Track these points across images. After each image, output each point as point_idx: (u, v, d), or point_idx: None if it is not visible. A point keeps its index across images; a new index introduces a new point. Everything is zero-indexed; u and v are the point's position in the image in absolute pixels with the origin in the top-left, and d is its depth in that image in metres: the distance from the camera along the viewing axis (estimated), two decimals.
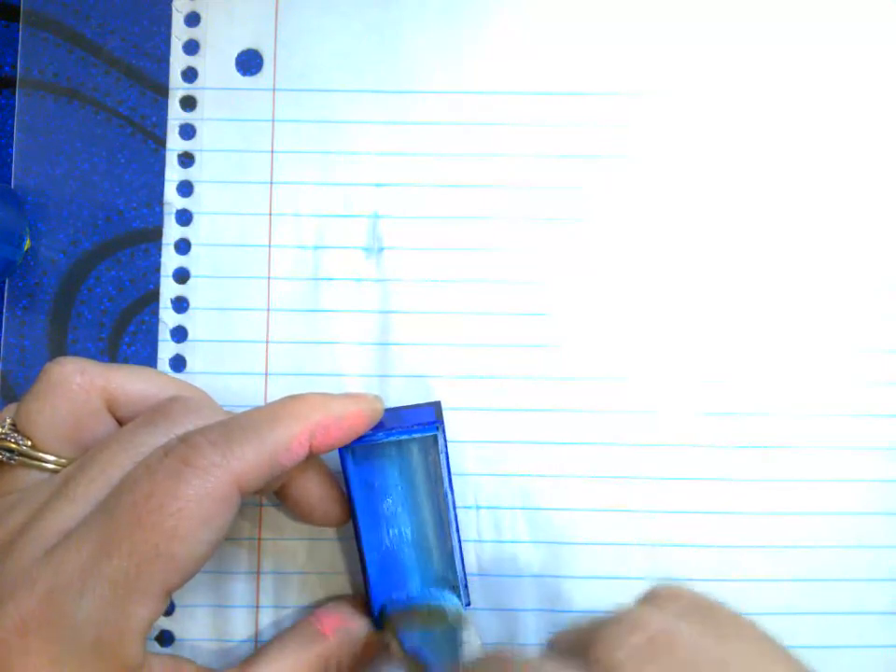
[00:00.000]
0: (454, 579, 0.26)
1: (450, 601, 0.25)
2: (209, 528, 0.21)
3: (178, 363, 0.29)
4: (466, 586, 0.26)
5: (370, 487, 0.26)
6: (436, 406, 0.26)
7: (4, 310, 0.29)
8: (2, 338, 0.29)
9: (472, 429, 0.28)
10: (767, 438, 0.28)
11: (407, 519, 0.26)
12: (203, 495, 0.20)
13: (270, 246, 0.29)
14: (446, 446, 0.25)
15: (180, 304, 0.29)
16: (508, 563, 0.28)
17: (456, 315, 0.29)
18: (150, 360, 0.29)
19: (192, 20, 0.30)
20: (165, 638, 0.28)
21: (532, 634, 0.28)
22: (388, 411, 0.25)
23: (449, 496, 0.25)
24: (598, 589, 0.28)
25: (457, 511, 0.26)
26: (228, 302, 0.29)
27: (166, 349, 0.29)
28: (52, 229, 0.29)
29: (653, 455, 0.28)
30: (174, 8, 0.30)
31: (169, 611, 0.28)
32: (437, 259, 0.29)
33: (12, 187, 0.29)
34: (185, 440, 0.21)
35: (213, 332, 0.29)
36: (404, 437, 0.25)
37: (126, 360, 0.29)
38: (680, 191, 0.29)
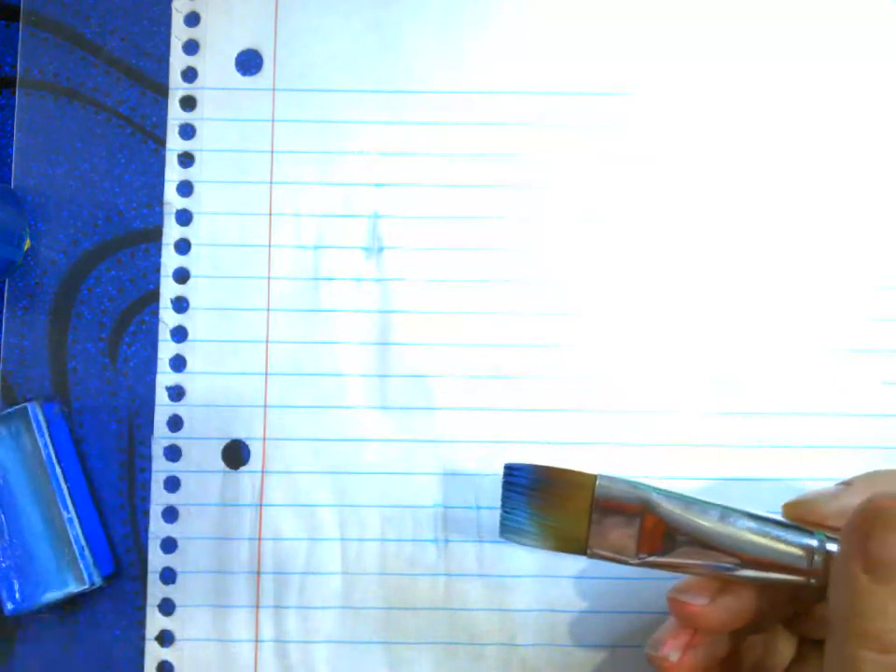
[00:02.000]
0: (78, 559, 0.26)
1: (77, 583, 0.26)
2: None
3: (178, 363, 0.29)
4: (94, 564, 0.27)
5: None
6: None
7: (4, 310, 0.29)
8: (2, 338, 0.29)
9: (472, 429, 0.28)
10: (770, 438, 0.28)
11: (13, 513, 0.27)
12: None
13: (270, 246, 0.29)
14: (46, 426, 0.27)
15: (180, 304, 0.29)
16: (508, 563, 0.28)
17: (456, 315, 0.29)
18: (150, 360, 0.29)
19: (192, 20, 0.30)
20: (165, 638, 0.28)
21: (532, 634, 0.28)
22: None
23: (56, 470, 0.27)
24: (598, 589, 0.28)
25: (79, 484, 0.28)
26: (228, 302, 0.29)
27: (166, 349, 0.29)
28: (52, 229, 0.29)
29: (654, 455, 0.28)
30: (174, 8, 0.30)
31: (169, 611, 0.28)
32: (437, 258, 0.29)
33: (12, 187, 0.29)
34: None
35: (213, 332, 0.29)
36: None
37: (126, 360, 0.29)
38: (682, 191, 0.29)
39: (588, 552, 0.23)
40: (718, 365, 0.29)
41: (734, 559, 0.22)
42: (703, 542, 0.22)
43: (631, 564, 0.22)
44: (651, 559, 0.22)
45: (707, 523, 0.22)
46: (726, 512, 0.22)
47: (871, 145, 0.29)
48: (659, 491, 0.22)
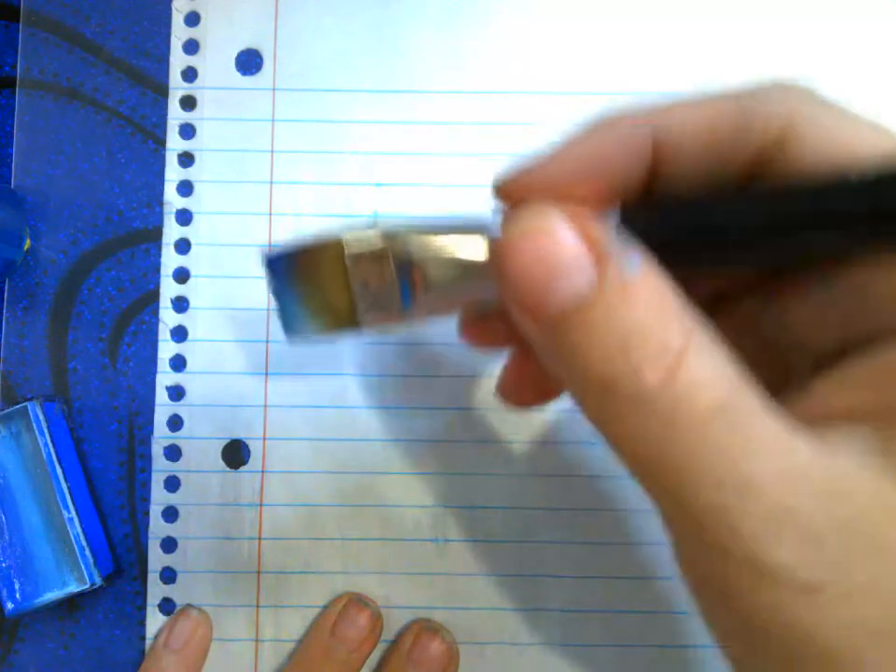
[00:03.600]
0: (78, 558, 0.26)
1: (78, 583, 0.26)
2: None
3: (178, 363, 0.29)
4: (94, 564, 0.27)
5: None
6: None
7: (4, 310, 0.29)
8: (2, 338, 0.29)
9: (472, 429, 0.28)
10: None
11: (13, 513, 0.27)
12: None
13: (270, 246, 0.29)
14: (46, 426, 0.27)
15: (180, 304, 0.29)
16: (508, 563, 0.28)
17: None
18: (150, 360, 0.29)
19: (192, 20, 0.30)
20: None
21: (532, 634, 0.28)
22: None
23: (56, 470, 0.27)
24: (600, 589, 0.28)
25: (80, 486, 0.28)
26: (228, 302, 0.29)
27: (166, 349, 0.29)
28: (52, 229, 0.29)
29: None
30: (174, 8, 0.30)
31: (169, 611, 0.28)
32: None
33: (12, 187, 0.29)
34: None
35: (213, 332, 0.29)
36: None
37: (126, 360, 0.29)
38: None
39: (359, 320, 0.19)
40: None
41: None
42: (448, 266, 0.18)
43: (402, 320, 0.19)
44: (416, 305, 0.19)
45: (444, 238, 0.18)
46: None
47: None
48: (402, 227, 0.19)
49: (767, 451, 0.13)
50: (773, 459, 0.13)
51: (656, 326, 0.14)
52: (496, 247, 0.15)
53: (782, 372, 0.17)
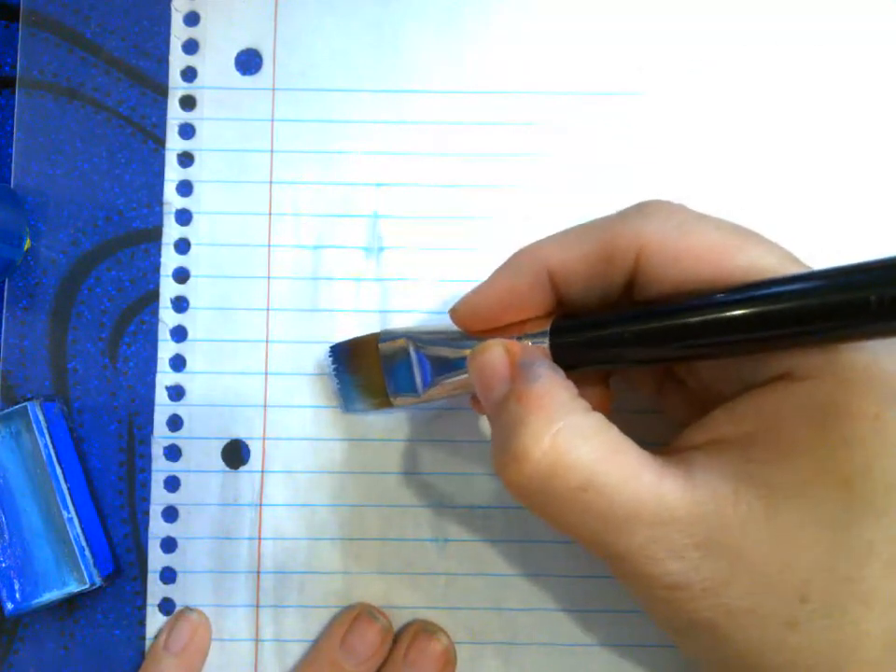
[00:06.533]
0: (78, 558, 0.26)
1: (78, 583, 0.26)
2: None
3: (178, 363, 0.29)
4: (94, 564, 0.27)
5: None
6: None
7: (4, 310, 0.29)
8: (2, 338, 0.29)
9: (472, 429, 0.28)
10: None
11: (13, 513, 0.27)
12: None
13: (270, 246, 0.29)
14: (46, 426, 0.27)
15: (180, 304, 0.29)
16: (507, 562, 0.28)
17: None
18: (150, 360, 0.29)
19: (192, 19, 0.30)
20: None
21: (532, 634, 0.28)
22: None
23: (56, 470, 0.27)
24: (600, 589, 0.28)
25: (83, 484, 0.28)
26: (228, 302, 0.29)
27: (166, 349, 0.29)
28: (52, 229, 0.29)
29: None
30: (173, 8, 0.30)
31: (169, 611, 0.28)
32: (437, 258, 0.29)
33: (12, 187, 0.29)
34: None
35: (213, 332, 0.29)
36: None
37: (126, 360, 0.29)
38: (684, 193, 0.29)
39: (392, 400, 0.26)
40: None
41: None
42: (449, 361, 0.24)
43: (421, 401, 0.25)
44: (431, 390, 0.25)
45: (449, 344, 0.24)
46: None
47: (885, 147, 0.29)
48: (420, 330, 0.25)
49: (632, 509, 0.19)
50: (639, 511, 0.19)
51: (535, 422, 0.19)
52: (468, 359, 0.22)
53: (709, 404, 0.21)
